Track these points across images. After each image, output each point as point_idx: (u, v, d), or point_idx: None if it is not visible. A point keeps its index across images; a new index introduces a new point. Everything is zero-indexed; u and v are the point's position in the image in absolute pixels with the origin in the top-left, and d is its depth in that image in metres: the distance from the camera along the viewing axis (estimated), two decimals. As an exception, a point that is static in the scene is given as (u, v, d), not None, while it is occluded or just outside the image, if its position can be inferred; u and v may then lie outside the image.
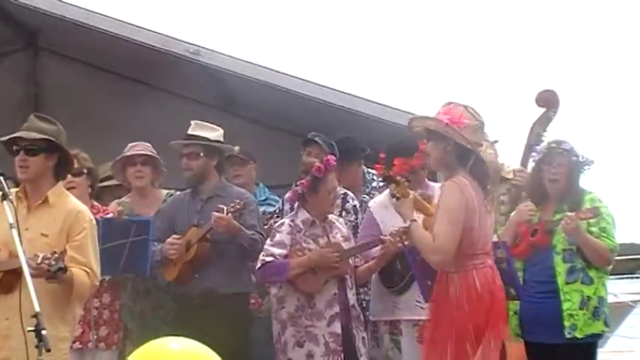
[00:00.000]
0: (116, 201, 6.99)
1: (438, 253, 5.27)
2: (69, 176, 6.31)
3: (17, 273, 5.04)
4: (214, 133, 6.73)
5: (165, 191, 7.10)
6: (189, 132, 6.71)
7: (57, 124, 5.46)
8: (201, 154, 6.63)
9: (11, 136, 5.29)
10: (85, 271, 5.18)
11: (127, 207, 6.81)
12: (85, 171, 6.52)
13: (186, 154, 6.64)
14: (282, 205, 7.22)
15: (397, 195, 5.60)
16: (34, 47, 10.10)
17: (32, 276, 4.70)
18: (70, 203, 5.36)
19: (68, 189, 5.93)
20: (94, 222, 5.41)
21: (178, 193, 6.91)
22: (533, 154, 6.21)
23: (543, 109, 6.24)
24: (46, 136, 5.29)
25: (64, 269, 4.96)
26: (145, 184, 6.94)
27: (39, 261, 4.86)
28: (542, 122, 6.24)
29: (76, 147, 6.59)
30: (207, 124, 6.76)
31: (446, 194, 5.32)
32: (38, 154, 5.25)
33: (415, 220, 5.46)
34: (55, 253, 4.94)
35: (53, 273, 4.91)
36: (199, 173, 6.63)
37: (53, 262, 4.89)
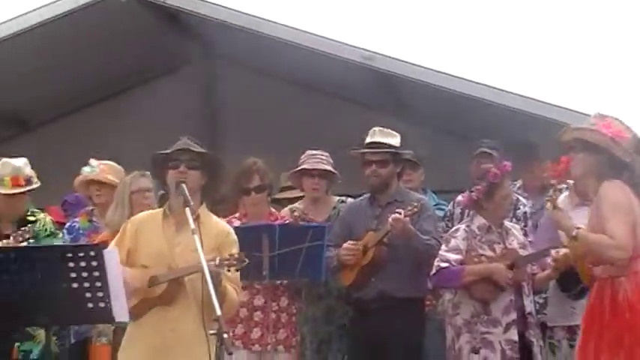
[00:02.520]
0: (289, 206, 7.10)
1: (620, 248, 5.16)
2: (252, 193, 6.50)
3: (178, 283, 5.23)
4: (395, 139, 6.75)
5: (337, 198, 7.18)
6: (374, 139, 6.71)
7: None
8: (389, 162, 6.66)
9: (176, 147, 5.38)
10: (235, 289, 5.29)
11: (297, 213, 6.92)
12: (267, 187, 6.65)
13: (375, 161, 6.65)
14: (453, 208, 7.18)
15: (554, 203, 5.53)
16: (210, 57, 10.38)
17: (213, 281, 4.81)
18: (219, 223, 5.48)
19: (251, 205, 6.14)
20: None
21: (354, 199, 6.98)
22: None
23: None
24: (208, 151, 5.44)
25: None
26: (320, 195, 7.04)
27: (217, 262, 4.99)
28: None
29: (252, 154, 6.76)
30: (388, 130, 6.78)
31: (611, 193, 5.24)
32: (197, 169, 5.35)
33: (580, 228, 5.36)
34: (232, 254, 5.09)
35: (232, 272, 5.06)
36: (386, 180, 6.66)
37: (234, 262, 5.03)
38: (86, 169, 7.30)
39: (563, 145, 5.58)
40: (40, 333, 5.62)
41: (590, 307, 5.38)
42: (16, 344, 6.21)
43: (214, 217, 5.51)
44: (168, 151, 5.38)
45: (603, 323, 5.24)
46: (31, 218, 6.48)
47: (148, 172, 6.51)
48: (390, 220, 6.31)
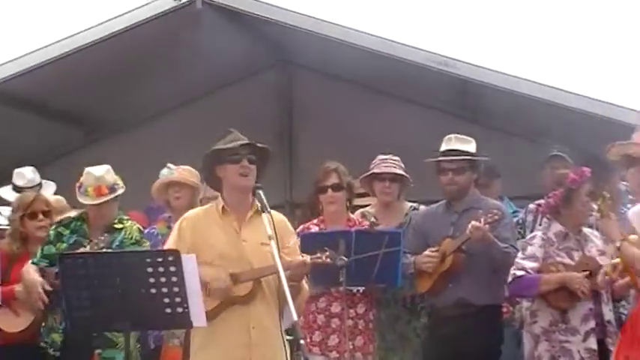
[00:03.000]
0: (360, 211, 7.10)
1: None
2: (329, 191, 6.51)
3: (258, 282, 5.21)
4: (471, 145, 6.71)
5: (409, 204, 7.16)
6: (450, 147, 6.68)
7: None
8: (467, 169, 6.63)
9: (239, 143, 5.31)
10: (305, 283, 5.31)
11: (369, 217, 6.91)
12: (344, 186, 6.64)
13: (452, 169, 6.62)
14: (525, 215, 7.12)
15: (602, 211, 5.46)
16: (286, 63, 10.44)
17: (295, 278, 4.97)
18: (274, 213, 5.36)
19: (328, 204, 6.13)
20: None
21: (428, 206, 6.94)
22: None
23: None
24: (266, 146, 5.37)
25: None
26: (391, 199, 7.02)
27: (309, 260, 5.03)
28: None
29: (326, 159, 6.77)
30: (463, 136, 6.74)
31: None
32: (255, 164, 5.27)
33: (625, 240, 5.30)
34: (324, 250, 5.12)
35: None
36: (463, 188, 6.64)
37: (326, 258, 5.12)
38: (164, 172, 7.38)
39: (612, 162, 5.58)
40: (122, 339, 5.66)
41: (630, 316, 5.36)
42: (98, 351, 6.27)
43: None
44: (228, 145, 5.28)
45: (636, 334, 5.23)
46: (118, 226, 6.54)
47: None
48: (469, 227, 6.28)
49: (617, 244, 5.33)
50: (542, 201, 6.63)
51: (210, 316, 5.21)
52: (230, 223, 5.27)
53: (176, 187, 7.29)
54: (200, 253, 5.16)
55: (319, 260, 5.15)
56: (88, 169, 6.55)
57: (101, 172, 6.52)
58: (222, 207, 5.31)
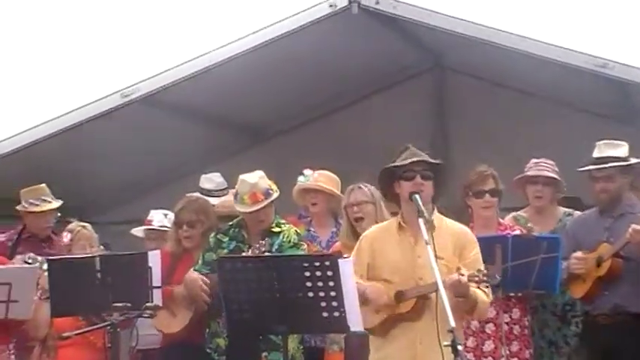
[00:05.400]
0: (512, 214, 7.01)
1: None
2: (487, 195, 6.46)
3: (425, 298, 5.26)
4: (622, 149, 6.56)
5: (563, 210, 7.07)
6: (599, 154, 6.56)
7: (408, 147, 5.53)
8: (618, 175, 6.49)
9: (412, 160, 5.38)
10: (483, 290, 5.27)
11: (522, 221, 6.82)
12: (501, 191, 6.59)
13: (601, 177, 6.50)
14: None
15: None
16: (440, 67, 10.40)
17: (455, 293, 4.94)
18: (455, 224, 5.49)
19: (483, 208, 6.12)
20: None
21: (584, 212, 6.86)
22: None
23: None
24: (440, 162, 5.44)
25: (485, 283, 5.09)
26: (544, 204, 6.91)
27: (465, 278, 5.02)
28: None
29: (479, 163, 6.71)
30: (614, 141, 6.60)
31: None
32: (430, 180, 5.35)
33: None
34: (481, 270, 5.10)
35: (462, 288, 5.04)
36: (615, 195, 6.51)
37: (484, 279, 5.07)
38: (301, 179, 7.44)
39: None
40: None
41: None
42: (264, 354, 6.37)
43: (448, 220, 5.51)
44: (403, 162, 5.37)
45: None
46: (276, 230, 6.62)
47: (364, 185, 6.60)
48: (630, 230, 6.13)
49: None
50: None
51: (379, 331, 5.35)
52: (406, 239, 5.35)
53: (312, 193, 7.35)
54: (377, 271, 5.36)
55: (475, 279, 5.10)
56: (242, 177, 6.65)
57: (255, 179, 6.60)
58: (399, 223, 5.41)
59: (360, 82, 10.24)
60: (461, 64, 10.10)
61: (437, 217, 5.40)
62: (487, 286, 5.27)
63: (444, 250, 5.23)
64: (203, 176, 8.04)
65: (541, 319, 6.81)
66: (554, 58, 8.28)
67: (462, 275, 5.04)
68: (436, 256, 4.93)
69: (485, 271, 5.07)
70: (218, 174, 8.07)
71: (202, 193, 7.79)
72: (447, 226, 5.44)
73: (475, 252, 5.36)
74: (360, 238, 5.65)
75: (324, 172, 7.42)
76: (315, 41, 8.67)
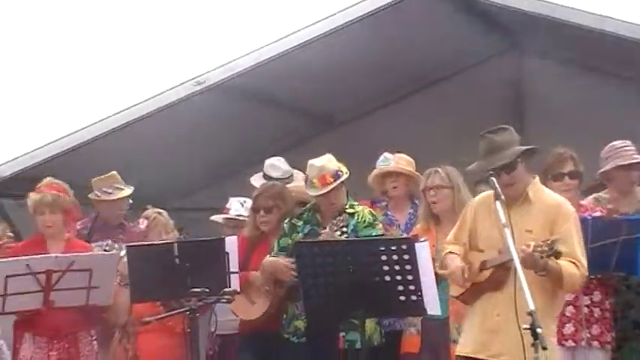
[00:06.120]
0: (593, 196, 6.89)
1: None
2: (566, 178, 6.37)
3: (506, 269, 5.20)
4: None
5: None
6: None
7: (506, 128, 5.52)
8: None
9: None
10: (572, 262, 5.19)
11: (604, 202, 6.71)
12: (581, 173, 6.51)
13: None
14: None
15: None
16: (519, 49, 10.31)
17: (525, 266, 4.82)
18: (550, 198, 5.44)
19: (563, 191, 6.02)
20: (576, 214, 5.44)
21: None
22: None
23: None
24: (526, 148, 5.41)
25: (559, 253, 4.98)
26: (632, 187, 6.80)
27: (531, 249, 4.93)
28: None
29: (557, 145, 6.62)
30: None
31: None
32: (517, 167, 5.34)
33: None
34: (547, 240, 4.99)
35: (546, 260, 4.97)
36: None
37: (546, 248, 4.94)
38: (381, 162, 7.41)
39: None
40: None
41: None
42: (342, 334, 6.36)
43: (546, 191, 5.49)
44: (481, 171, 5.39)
45: None
46: (350, 211, 6.60)
47: (442, 169, 6.59)
48: None
49: None
50: None
51: (466, 300, 5.43)
52: (504, 211, 5.18)
53: (393, 176, 7.32)
54: (474, 240, 5.41)
55: (538, 250, 5.01)
56: (310, 162, 6.67)
57: (323, 161, 6.62)
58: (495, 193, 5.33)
59: (435, 66, 10.19)
60: (538, 46, 10.02)
61: (533, 188, 5.39)
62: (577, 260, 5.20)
63: (534, 224, 5.23)
64: (267, 162, 8.05)
65: (624, 299, 6.68)
66: (637, 38, 8.12)
67: (528, 246, 4.97)
68: (503, 226, 4.89)
69: (550, 242, 4.96)
70: (282, 159, 8.08)
71: (266, 179, 7.82)
72: (543, 198, 5.40)
73: (567, 226, 5.28)
74: (466, 205, 5.70)
75: (402, 155, 7.42)
76: (390, 26, 8.63)
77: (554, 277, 5.15)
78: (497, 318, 5.27)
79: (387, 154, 7.45)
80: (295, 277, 6.06)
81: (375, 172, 7.41)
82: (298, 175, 7.87)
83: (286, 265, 6.52)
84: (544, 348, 4.49)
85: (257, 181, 7.93)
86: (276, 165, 7.98)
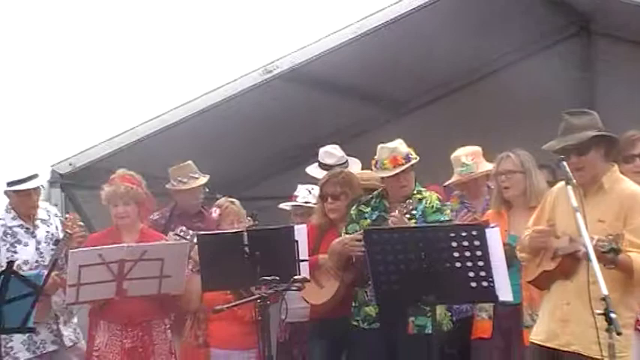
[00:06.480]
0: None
1: None
2: (637, 160, 6.26)
3: (575, 258, 5.14)
4: None
5: None
6: None
7: (588, 112, 5.41)
8: None
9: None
10: None
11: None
12: None
13: None
14: None
15: None
16: (587, 32, 10.17)
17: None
18: (627, 188, 5.29)
19: (634, 173, 5.89)
20: None
21: None
22: None
23: None
24: (599, 133, 5.27)
25: (617, 251, 4.85)
26: None
27: (593, 243, 4.83)
28: None
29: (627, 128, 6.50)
30: None
31: None
32: (589, 152, 5.23)
33: None
34: (610, 235, 4.88)
35: (606, 255, 4.83)
36: None
37: (605, 244, 4.83)
38: (461, 169, 7.33)
39: None
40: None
41: None
42: (411, 318, 6.38)
43: (626, 182, 5.34)
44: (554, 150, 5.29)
45: None
46: (418, 196, 6.59)
47: (514, 153, 6.52)
48: None
49: None
50: None
51: (540, 285, 5.42)
52: (577, 197, 5.11)
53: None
54: (556, 227, 5.30)
55: (598, 246, 4.90)
56: (381, 145, 6.68)
57: (395, 144, 6.64)
58: (572, 181, 5.26)
59: (504, 50, 10.07)
60: (609, 28, 9.86)
61: (610, 178, 5.27)
62: None
63: (607, 214, 5.13)
64: (322, 150, 8.03)
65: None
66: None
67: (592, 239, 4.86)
68: (575, 210, 4.84)
69: (612, 237, 4.82)
70: (337, 147, 8.06)
71: (323, 169, 7.81)
72: (620, 188, 5.27)
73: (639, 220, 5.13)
74: (548, 192, 5.63)
75: (474, 150, 7.36)
76: (457, 9, 8.56)
77: (624, 270, 5.03)
78: (566, 307, 5.22)
79: (464, 159, 7.33)
80: (363, 251, 6.05)
81: (454, 180, 7.38)
82: (353, 163, 7.87)
83: (352, 238, 6.52)
84: (618, 333, 4.43)
85: (313, 170, 7.95)
86: (331, 152, 7.99)
